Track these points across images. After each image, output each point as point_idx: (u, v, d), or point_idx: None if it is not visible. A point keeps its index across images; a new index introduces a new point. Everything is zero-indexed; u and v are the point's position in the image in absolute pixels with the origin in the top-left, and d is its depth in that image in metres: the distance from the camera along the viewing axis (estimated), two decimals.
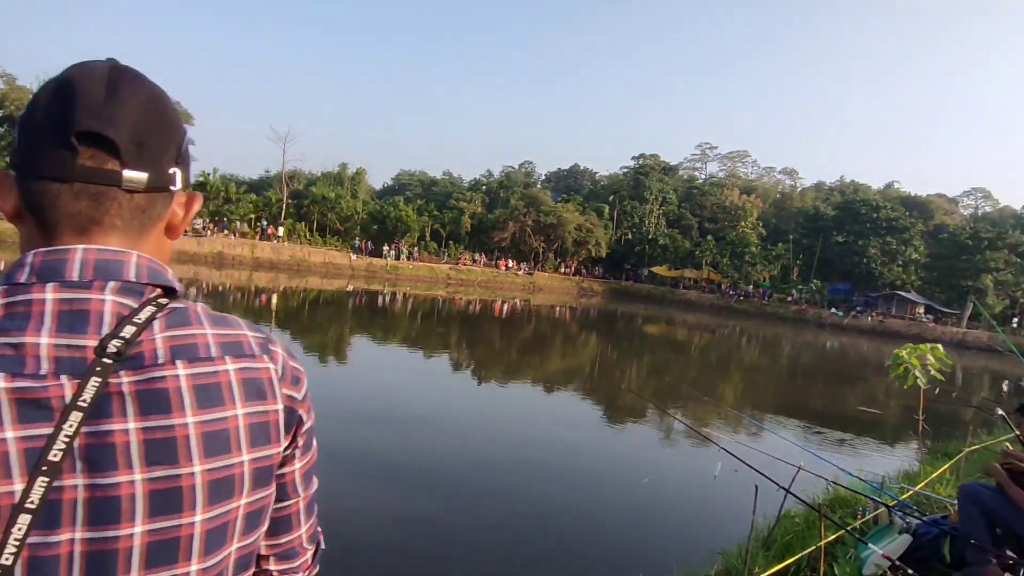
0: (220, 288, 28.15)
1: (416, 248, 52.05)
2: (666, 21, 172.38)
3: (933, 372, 7.53)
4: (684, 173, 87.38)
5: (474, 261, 54.48)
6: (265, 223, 45.33)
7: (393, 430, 9.06)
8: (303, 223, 48.27)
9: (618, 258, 63.47)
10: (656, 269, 59.94)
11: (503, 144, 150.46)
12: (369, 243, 49.22)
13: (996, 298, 50.62)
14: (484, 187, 69.04)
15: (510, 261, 55.79)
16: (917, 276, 54.71)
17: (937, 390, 8.93)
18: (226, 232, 41.77)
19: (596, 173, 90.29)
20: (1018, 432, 3.53)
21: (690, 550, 5.22)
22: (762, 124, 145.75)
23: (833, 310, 49.70)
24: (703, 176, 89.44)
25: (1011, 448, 3.54)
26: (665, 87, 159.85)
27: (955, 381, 23.34)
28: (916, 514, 4.11)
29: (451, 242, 56.58)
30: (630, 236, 64.57)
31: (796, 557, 3.69)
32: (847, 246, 57.20)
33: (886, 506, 4.07)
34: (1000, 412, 4.40)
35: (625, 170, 79.71)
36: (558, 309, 41.48)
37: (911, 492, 5.26)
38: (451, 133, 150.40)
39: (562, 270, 59.58)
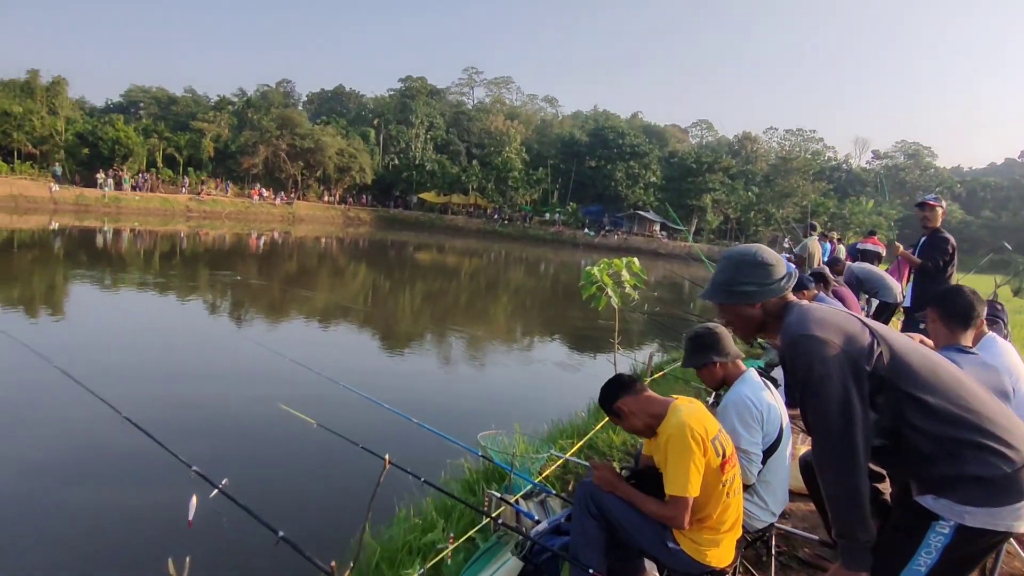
0: None
1: (145, 176, 44.38)
2: None
3: (628, 288, 7.28)
4: (452, 98, 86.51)
5: (221, 190, 48.23)
6: None
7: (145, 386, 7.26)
8: None
9: (386, 185, 61.17)
10: (425, 196, 59.02)
11: (259, 60, 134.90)
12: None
13: (714, 215, 58.65)
14: (232, 107, 60.95)
15: (264, 190, 50.49)
16: (655, 197, 61.00)
17: (646, 306, 9.05)
18: None
19: (362, 95, 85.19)
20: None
21: None
22: (525, 52, 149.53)
23: (586, 231, 53.53)
24: (470, 102, 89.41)
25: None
26: (431, 6, 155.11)
27: (683, 292, 26.14)
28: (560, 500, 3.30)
29: (191, 169, 49.37)
30: (397, 162, 62.41)
31: None
32: (598, 170, 61.53)
33: (506, 502, 3.18)
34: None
35: (392, 92, 76.37)
36: (323, 240, 38.65)
37: (560, 460, 4.20)
38: (196, 43, 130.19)
39: (326, 199, 55.68)
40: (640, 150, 61.64)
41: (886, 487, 2.83)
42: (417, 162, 61.20)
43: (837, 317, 1.78)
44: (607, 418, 5.19)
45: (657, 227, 55.89)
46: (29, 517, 4.56)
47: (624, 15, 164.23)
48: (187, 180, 46.70)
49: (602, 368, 10.76)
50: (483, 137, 67.37)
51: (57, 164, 41.00)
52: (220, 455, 5.50)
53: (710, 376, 2.99)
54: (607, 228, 54.77)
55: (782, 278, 1.91)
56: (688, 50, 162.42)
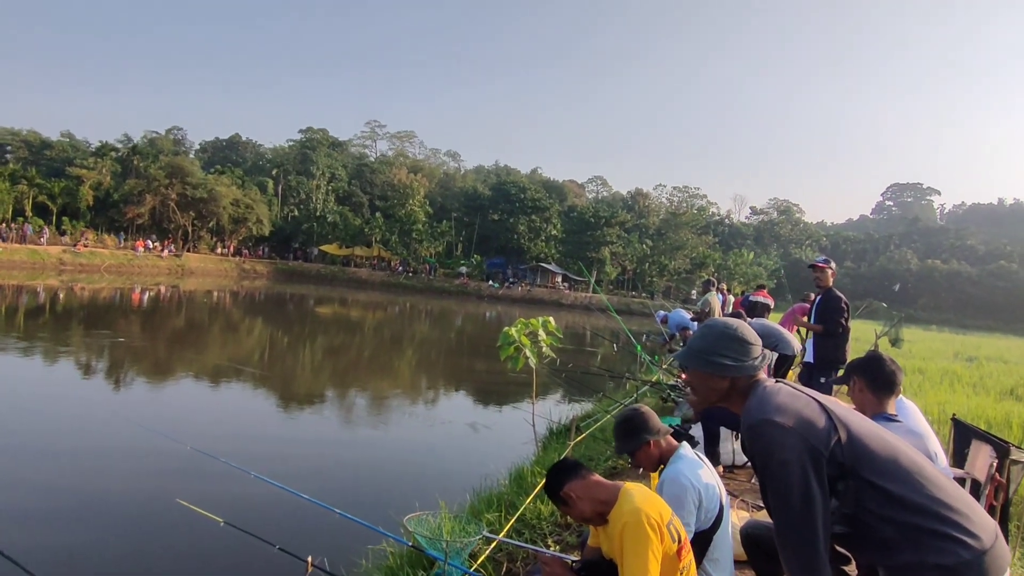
0: None
1: (10, 226, 40.40)
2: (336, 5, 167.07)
3: (545, 348, 7.28)
4: (355, 150, 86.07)
5: (100, 242, 44.69)
6: None
7: None
8: None
9: (285, 236, 59.24)
10: (326, 248, 57.52)
11: (151, 106, 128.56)
12: None
13: (612, 266, 61.07)
14: (114, 153, 57.26)
15: (150, 241, 47.33)
16: (556, 250, 62.76)
17: (558, 361, 9.04)
18: None
19: (260, 145, 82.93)
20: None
21: None
22: (427, 108, 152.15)
23: (491, 282, 53.98)
24: (373, 154, 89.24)
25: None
26: (334, 64, 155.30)
27: (585, 341, 26.68)
28: None
29: (67, 218, 45.59)
30: (297, 213, 60.77)
31: None
32: (501, 223, 62.72)
33: None
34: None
35: (291, 143, 74.92)
36: (216, 294, 36.53)
37: (494, 542, 3.82)
38: (74, 84, 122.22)
39: (219, 251, 52.94)
40: (541, 204, 63.59)
41: (852, 569, 2.85)
42: (318, 213, 59.83)
43: (797, 401, 1.77)
44: (534, 489, 5.08)
45: (559, 278, 57.37)
46: None
47: (522, 78, 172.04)
48: (46, 231, 42.31)
49: (517, 427, 10.61)
50: (386, 189, 67.12)
51: None
52: (107, 567, 4.70)
53: (647, 458, 2.94)
54: (511, 280, 55.53)
55: (757, 357, 1.91)
56: (584, 111, 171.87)
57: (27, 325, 18.65)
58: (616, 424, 3.05)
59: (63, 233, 43.55)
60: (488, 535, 4.05)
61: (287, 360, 17.62)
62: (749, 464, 5.85)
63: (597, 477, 2.49)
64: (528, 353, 6.85)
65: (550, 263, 59.41)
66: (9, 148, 71.19)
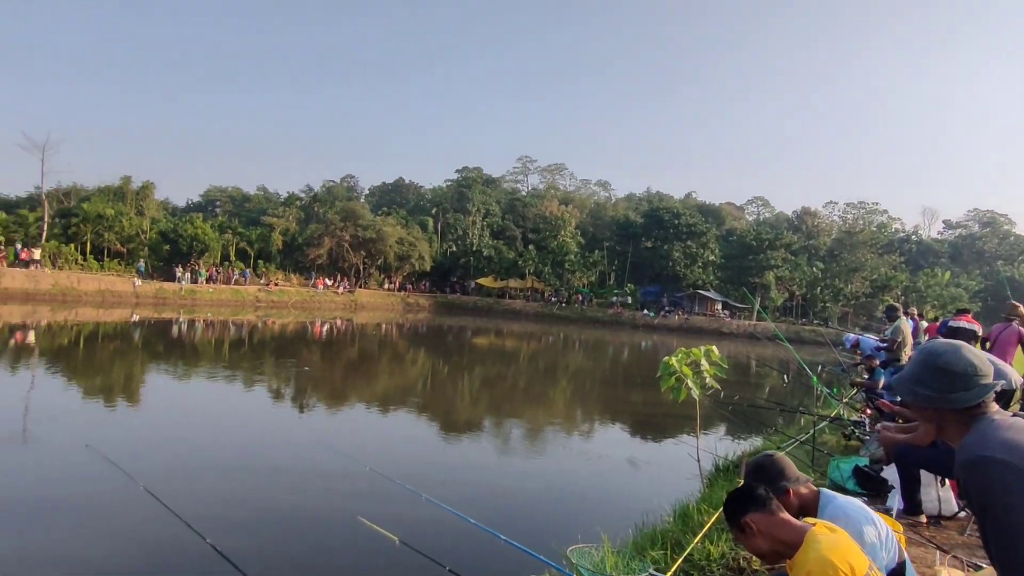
0: None
1: (218, 270, 46.86)
2: (483, 38, 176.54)
3: (709, 379, 6.90)
4: (507, 185, 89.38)
5: (287, 281, 50.37)
6: (19, 246, 37.90)
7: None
8: (71, 245, 41.21)
9: (444, 271, 62.59)
10: (482, 281, 59.90)
11: (327, 159, 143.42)
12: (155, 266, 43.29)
13: (777, 292, 57.03)
14: (299, 202, 64.74)
15: (328, 279, 52.41)
16: (715, 276, 60.02)
17: (722, 394, 8.53)
18: None
19: (421, 187, 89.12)
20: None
21: None
22: (577, 139, 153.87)
23: (645, 311, 52.76)
24: (525, 188, 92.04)
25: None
26: (486, 102, 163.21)
27: (750, 372, 25.08)
28: None
29: (261, 261, 51.91)
30: (455, 248, 64.05)
31: None
32: (655, 251, 61.38)
33: None
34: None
35: (449, 183, 79.54)
36: (384, 326, 39.39)
37: None
38: (272, 147, 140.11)
39: (386, 286, 57.23)
40: (697, 229, 61.38)
41: None
42: (474, 248, 62.64)
43: None
44: (702, 528, 4.77)
45: (719, 306, 54.63)
46: None
47: (669, 102, 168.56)
48: (260, 273, 49.03)
49: (678, 461, 10.15)
50: (538, 222, 68.73)
51: (141, 261, 43.80)
52: (296, 568, 5.18)
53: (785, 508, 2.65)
54: (667, 309, 53.86)
55: (972, 389, 1.64)
56: (739, 132, 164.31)
57: (231, 355, 21.36)
58: (748, 473, 2.76)
59: (259, 275, 49.64)
60: (654, 573, 3.86)
61: (447, 389, 18.46)
62: (960, 514, 5.04)
63: (785, 515, 2.26)
64: (690, 384, 6.53)
65: (708, 290, 56.88)
66: (218, 203, 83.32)
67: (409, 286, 58.95)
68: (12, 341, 20.47)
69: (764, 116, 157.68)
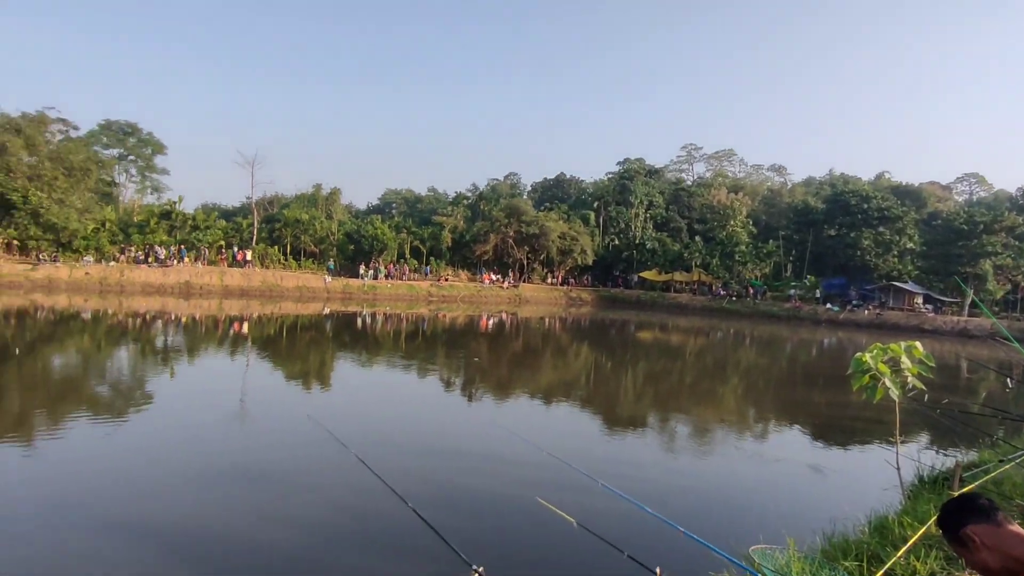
0: (188, 319, 27.20)
1: (395, 266, 50.76)
2: (645, 24, 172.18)
3: (911, 378, 6.13)
4: (671, 175, 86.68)
5: (456, 276, 53.23)
6: (236, 249, 44.06)
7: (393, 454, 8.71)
8: (275, 247, 47.02)
9: (606, 265, 62.17)
10: (645, 274, 58.63)
11: (492, 158, 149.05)
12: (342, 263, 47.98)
13: (996, 283, 49.15)
14: (466, 201, 67.99)
15: (493, 274, 54.49)
16: (914, 266, 53.30)
17: (926, 396, 7.56)
18: (186, 259, 40.49)
19: (582, 181, 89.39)
20: None
21: None
22: (747, 123, 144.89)
23: (828, 305, 48.29)
24: (689, 178, 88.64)
25: None
26: (648, 90, 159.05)
27: (959, 375, 22.06)
28: None
29: (432, 258, 55.36)
30: (617, 242, 63.34)
31: None
32: (839, 239, 55.78)
33: None
34: None
35: (610, 176, 78.87)
36: (547, 320, 40.23)
37: None
38: (440, 149, 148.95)
39: (549, 280, 58.22)
40: (891, 213, 54.78)
41: None
42: (637, 241, 61.51)
43: None
44: (904, 543, 4.27)
45: (919, 299, 48.25)
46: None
47: (857, 70, 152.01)
48: (428, 269, 52.51)
49: (870, 469, 9.20)
50: (705, 212, 65.79)
51: (331, 260, 48.78)
52: (479, 540, 5.59)
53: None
54: (854, 302, 48.81)
55: None
56: (938, 98, 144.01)
57: (407, 346, 23.10)
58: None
59: (429, 271, 53.01)
60: None
61: (612, 383, 18.40)
62: None
63: (1018, 529, 1.95)
64: (888, 383, 5.85)
65: (906, 281, 50.42)
66: (394, 205, 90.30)
67: (572, 280, 59.44)
68: (232, 331, 24.04)
69: (976, 83, 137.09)
